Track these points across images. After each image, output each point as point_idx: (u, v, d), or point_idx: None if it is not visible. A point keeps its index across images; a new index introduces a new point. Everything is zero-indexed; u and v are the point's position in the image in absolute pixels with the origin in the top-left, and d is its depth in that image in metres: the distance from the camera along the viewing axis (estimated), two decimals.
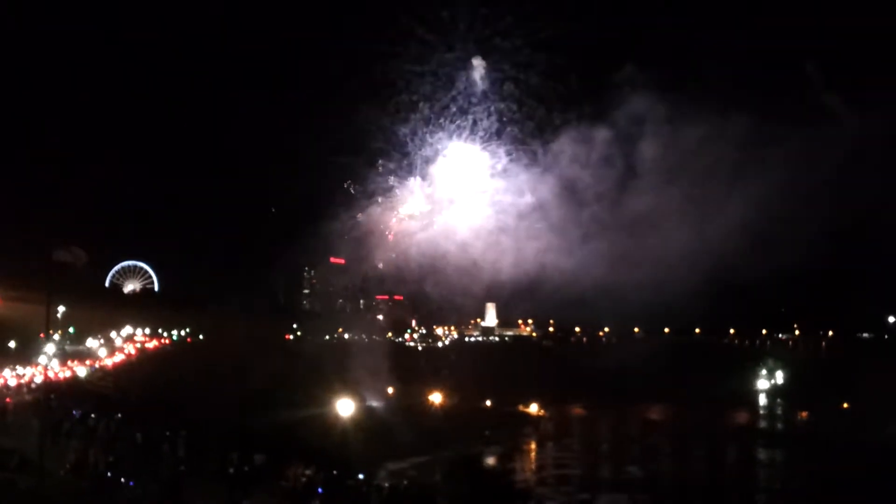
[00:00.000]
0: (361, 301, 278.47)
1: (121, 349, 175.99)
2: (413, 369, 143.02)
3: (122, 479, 43.82)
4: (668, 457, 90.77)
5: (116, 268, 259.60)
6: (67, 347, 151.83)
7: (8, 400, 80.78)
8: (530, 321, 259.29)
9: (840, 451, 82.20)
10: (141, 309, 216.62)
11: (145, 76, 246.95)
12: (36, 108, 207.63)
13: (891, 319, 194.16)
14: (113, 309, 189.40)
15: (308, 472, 45.05)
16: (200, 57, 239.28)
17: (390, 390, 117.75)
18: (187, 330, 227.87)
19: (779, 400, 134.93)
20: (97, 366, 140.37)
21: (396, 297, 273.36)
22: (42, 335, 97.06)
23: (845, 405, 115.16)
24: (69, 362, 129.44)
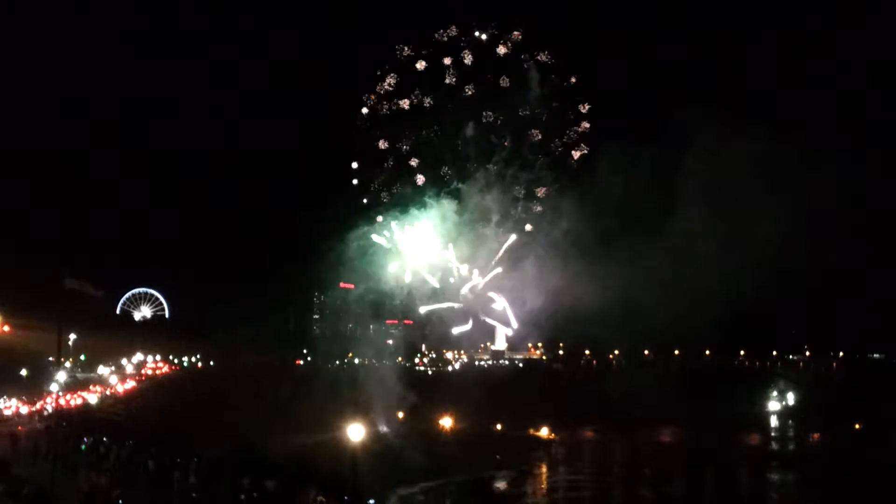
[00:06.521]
0: (371, 326, 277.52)
1: (132, 376, 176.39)
2: (423, 393, 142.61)
3: None
4: (680, 480, 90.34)
5: (127, 295, 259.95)
6: (79, 375, 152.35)
7: (19, 428, 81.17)
8: (540, 344, 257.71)
9: (853, 473, 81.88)
10: (151, 336, 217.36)
11: (157, 105, 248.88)
12: (46, 138, 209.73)
13: None
14: (124, 336, 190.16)
15: (320, 497, 45.11)
16: (214, 87, 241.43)
17: (401, 415, 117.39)
18: (198, 356, 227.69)
19: (790, 422, 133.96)
20: (108, 393, 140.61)
21: (406, 322, 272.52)
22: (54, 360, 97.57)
23: (857, 426, 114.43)
24: (90, 386, 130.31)
